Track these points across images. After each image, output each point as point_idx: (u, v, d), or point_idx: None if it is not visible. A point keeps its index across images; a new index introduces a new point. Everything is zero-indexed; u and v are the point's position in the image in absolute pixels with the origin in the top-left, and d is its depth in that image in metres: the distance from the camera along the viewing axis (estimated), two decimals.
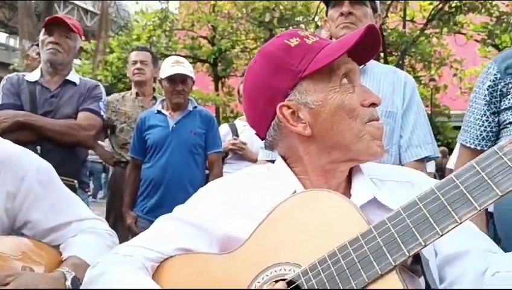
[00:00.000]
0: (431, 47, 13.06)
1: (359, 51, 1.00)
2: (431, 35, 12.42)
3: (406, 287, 0.77)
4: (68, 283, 1.14)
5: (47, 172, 1.34)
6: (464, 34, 12.39)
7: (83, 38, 2.82)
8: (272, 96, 1.02)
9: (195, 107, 3.18)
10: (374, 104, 1.01)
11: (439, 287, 0.94)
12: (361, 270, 0.80)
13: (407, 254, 0.78)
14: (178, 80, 3.02)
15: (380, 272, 0.79)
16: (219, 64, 15.69)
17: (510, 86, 1.55)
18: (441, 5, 10.79)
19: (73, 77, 2.68)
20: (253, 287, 0.91)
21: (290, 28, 9.57)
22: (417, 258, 0.82)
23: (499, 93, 1.59)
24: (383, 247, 0.80)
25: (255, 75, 1.06)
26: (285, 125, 1.02)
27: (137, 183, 3.13)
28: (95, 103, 2.63)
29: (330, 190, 0.93)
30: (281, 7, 8.93)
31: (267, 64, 1.03)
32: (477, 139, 1.66)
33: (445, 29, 11.68)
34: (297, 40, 1.01)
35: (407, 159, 2.03)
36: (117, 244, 1.36)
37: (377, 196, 0.99)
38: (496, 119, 1.62)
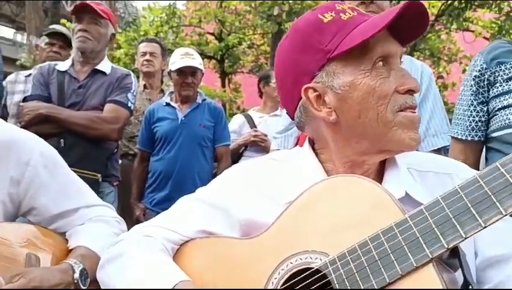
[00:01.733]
0: (440, 42, 12.94)
1: (403, 30, 0.91)
2: (441, 31, 12.30)
3: (443, 282, 0.71)
4: (76, 275, 1.10)
5: (52, 157, 1.29)
6: (473, 31, 12.25)
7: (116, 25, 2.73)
8: (298, 76, 0.96)
9: (204, 99, 3.15)
10: (411, 91, 0.91)
11: None
12: (394, 261, 0.75)
13: (446, 247, 0.72)
14: (188, 72, 2.99)
15: (415, 265, 0.73)
16: (226, 60, 15.65)
17: (497, 74, 1.57)
18: (450, 0, 10.68)
19: (104, 66, 2.58)
20: (276, 274, 0.86)
21: None
22: (454, 252, 0.76)
23: (486, 82, 1.60)
24: (420, 238, 0.74)
25: (284, 52, 1.00)
26: (310, 109, 0.96)
27: (145, 176, 3.10)
28: (122, 94, 2.52)
29: (360, 176, 0.86)
30: (290, 0, 8.81)
31: (296, 41, 0.96)
32: (467, 130, 1.67)
33: (454, 26, 11.56)
34: (331, 15, 0.92)
35: (423, 149, 1.98)
36: (126, 231, 1.31)
37: (409, 191, 0.91)
38: (485, 109, 1.63)
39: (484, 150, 1.71)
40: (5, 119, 2.99)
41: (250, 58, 15.60)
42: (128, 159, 3.38)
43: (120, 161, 3.56)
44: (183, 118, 3.02)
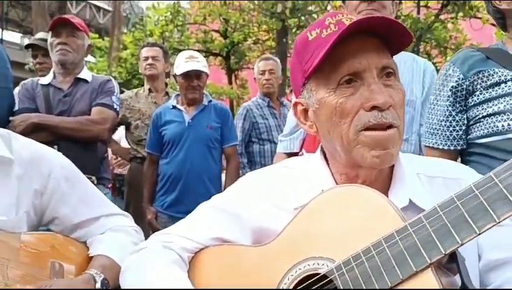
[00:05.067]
0: (446, 32, 12.84)
1: (391, 41, 0.93)
2: (446, 21, 12.20)
3: (440, 285, 0.74)
4: (98, 285, 1.14)
5: (71, 168, 1.35)
6: (480, 18, 12.13)
7: (90, 36, 2.82)
8: (295, 90, 1.04)
9: (210, 101, 3.18)
10: (376, 108, 0.88)
11: None
12: (395, 267, 0.78)
13: (443, 252, 0.75)
14: (193, 76, 3.01)
15: (415, 269, 0.76)
16: (232, 57, 15.64)
17: (475, 83, 1.55)
18: None
19: (85, 74, 2.68)
20: (286, 280, 0.90)
21: (303, 18, 9.42)
22: (453, 256, 0.79)
23: (464, 92, 1.58)
24: (419, 244, 0.77)
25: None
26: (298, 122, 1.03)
27: (155, 179, 3.14)
28: (107, 97, 2.63)
29: (364, 186, 0.90)
30: None
31: (292, 58, 1.03)
32: (448, 140, 1.64)
33: (460, 14, 11.45)
34: (316, 32, 0.95)
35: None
36: (143, 241, 1.36)
37: (414, 199, 0.93)
38: (464, 117, 1.61)
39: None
40: None
41: (256, 53, 15.61)
42: (136, 162, 3.44)
43: (129, 165, 3.63)
44: (190, 121, 3.05)
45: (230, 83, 15.65)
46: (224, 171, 3.31)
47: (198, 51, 15.41)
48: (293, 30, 11.27)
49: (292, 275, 0.90)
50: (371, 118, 0.89)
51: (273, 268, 0.93)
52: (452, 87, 1.60)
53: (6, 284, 1.04)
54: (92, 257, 1.25)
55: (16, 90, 2.61)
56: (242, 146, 3.54)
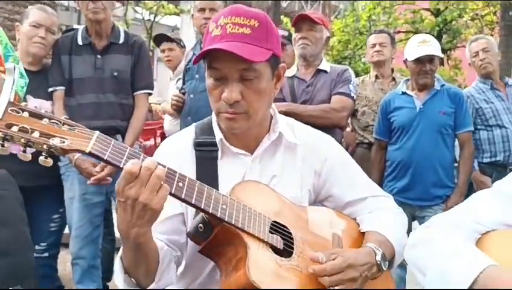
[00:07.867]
0: None
1: None
2: None
3: None
4: (378, 258, 1.24)
5: (344, 154, 1.50)
6: None
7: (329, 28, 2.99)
8: None
9: (443, 85, 3.05)
10: None
11: None
12: None
13: None
14: (425, 60, 2.94)
15: None
16: (444, 36, 14.57)
17: None
18: None
19: (324, 65, 2.90)
20: None
21: None
22: None
23: None
24: None
25: None
26: None
27: (384, 165, 3.18)
28: (345, 86, 2.80)
29: None
30: None
31: None
32: None
33: None
34: None
35: None
36: (406, 222, 1.45)
37: None
38: None
39: None
40: None
41: (473, 30, 14.21)
42: (363, 148, 3.53)
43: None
44: (421, 106, 2.99)
45: (441, 63, 14.63)
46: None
47: (406, 32, 14.80)
48: None
49: None
50: None
51: None
52: None
53: (302, 249, 1.22)
54: (364, 232, 1.37)
55: None
56: None
